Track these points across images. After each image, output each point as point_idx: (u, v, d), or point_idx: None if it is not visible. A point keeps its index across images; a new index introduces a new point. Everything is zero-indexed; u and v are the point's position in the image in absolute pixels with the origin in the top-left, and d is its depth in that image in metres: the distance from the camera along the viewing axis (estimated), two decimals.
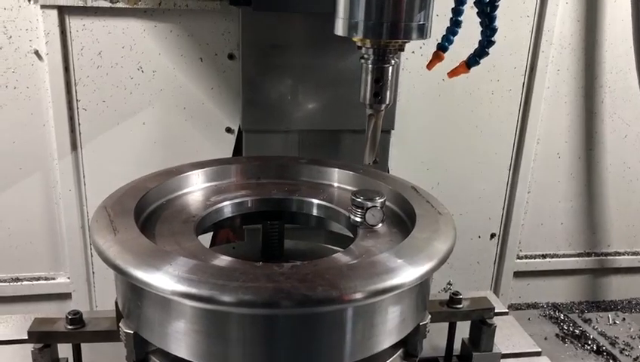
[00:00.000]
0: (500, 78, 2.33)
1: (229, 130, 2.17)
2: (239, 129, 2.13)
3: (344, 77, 1.86)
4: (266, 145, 1.92)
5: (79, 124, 2.09)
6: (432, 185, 2.39)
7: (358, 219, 1.26)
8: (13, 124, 2.06)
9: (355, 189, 1.36)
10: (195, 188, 1.42)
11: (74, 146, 2.11)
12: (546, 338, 2.38)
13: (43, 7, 1.92)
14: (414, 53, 2.20)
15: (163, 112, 2.12)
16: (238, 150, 2.17)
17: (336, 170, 1.50)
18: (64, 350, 1.26)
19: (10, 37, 1.96)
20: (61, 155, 2.11)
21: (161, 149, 2.16)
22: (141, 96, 2.09)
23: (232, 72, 2.09)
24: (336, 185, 1.50)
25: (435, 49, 1.52)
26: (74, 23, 1.97)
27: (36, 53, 1.99)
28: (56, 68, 1.99)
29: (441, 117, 2.34)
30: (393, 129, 2.00)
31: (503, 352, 1.43)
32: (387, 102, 1.29)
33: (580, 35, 2.35)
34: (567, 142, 2.52)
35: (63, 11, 1.94)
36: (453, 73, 1.52)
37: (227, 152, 2.18)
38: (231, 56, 2.07)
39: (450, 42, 1.49)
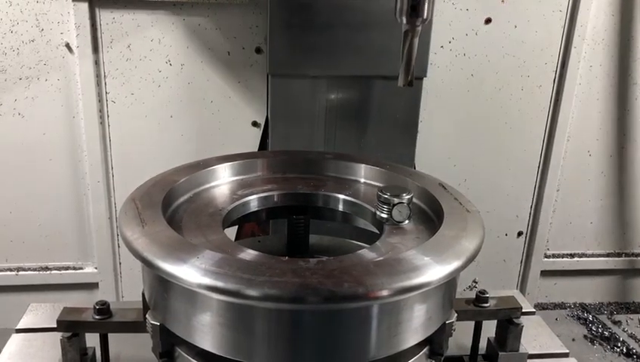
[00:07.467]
0: (530, 74, 2.29)
1: (255, 123, 2.17)
2: (265, 122, 2.13)
3: (375, 20, 1.79)
4: (292, 93, 1.85)
5: (108, 116, 2.12)
6: (460, 182, 2.37)
7: (385, 216, 1.24)
8: (44, 115, 2.10)
9: (381, 185, 1.34)
10: (222, 181, 1.42)
11: (103, 138, 2.14)
12: (573, 340, 2.34)
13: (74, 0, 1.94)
14: (443, 48, 2.18)
15: (190, 105, 2.14)
16: (264, 144, 2.17)
17: (363, 165, 1.48)
18: (91, 339, 1.28)
19: (42, 30, 1.99)
20: (90, 147, 2.14)
21: (188, 142, 2.18)
22: (169, 89, 2.11)
23: (259, 65, 2.09)
24: (362, 180, 1.48)
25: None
26: (104, 16, 1.99)
27: (67, 45, 2.02)
28: (86, 60, 2.02)
29: (469, 113, 2.31)
30: (425, 76, 1.93)
31: (530, 352, 1.40)
32: (425, 17, 1.22)
33: (615, 30, 2.29)
34: (598, 139, 2.47)
35: (93, 4, 1.97)
36: None
37: (253, 146, 2.18)
38: (258, 50, 2.07)
39: None
